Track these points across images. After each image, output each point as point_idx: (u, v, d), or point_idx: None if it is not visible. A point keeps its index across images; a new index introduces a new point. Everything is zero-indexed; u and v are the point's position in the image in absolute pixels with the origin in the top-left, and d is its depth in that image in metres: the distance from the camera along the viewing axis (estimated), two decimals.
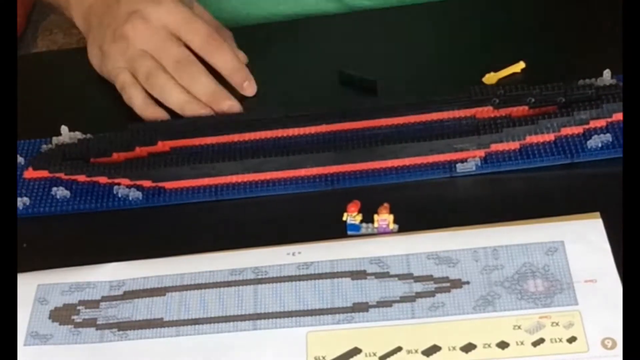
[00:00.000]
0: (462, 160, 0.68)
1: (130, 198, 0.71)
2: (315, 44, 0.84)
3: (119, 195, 0.71)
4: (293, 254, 0.64)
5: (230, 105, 0.76)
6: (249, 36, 0.84)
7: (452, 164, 0.69)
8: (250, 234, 0.67)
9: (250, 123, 0.74)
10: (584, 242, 0.62)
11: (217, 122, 0.74)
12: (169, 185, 0.71)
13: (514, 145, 0.68)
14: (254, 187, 0.70)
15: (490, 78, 0.75)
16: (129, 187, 0.71)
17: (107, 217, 0.71)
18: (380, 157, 0.69)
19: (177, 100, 0.76)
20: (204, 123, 0.74)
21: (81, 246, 0.70)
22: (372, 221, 0.65)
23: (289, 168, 0.70)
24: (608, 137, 0.67)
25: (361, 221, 0.65)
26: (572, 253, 0.61)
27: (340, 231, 0.65)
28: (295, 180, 0.70)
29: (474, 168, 0.68)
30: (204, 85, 0.76)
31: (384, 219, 0.64)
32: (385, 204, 0.65)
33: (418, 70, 0.79)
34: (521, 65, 0.75)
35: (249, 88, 0.78)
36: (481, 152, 0.69)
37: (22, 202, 0.71)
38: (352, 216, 0.65)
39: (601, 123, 0.69)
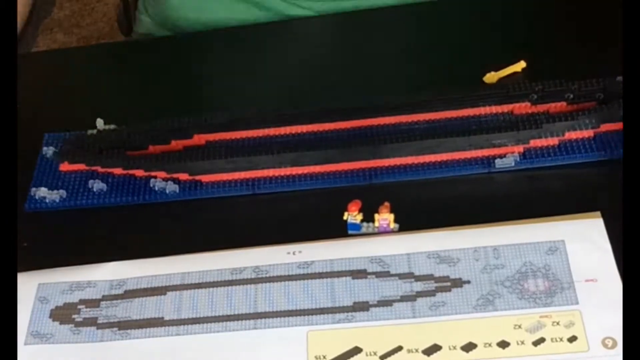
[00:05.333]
0: (501, 156, 0.68)
1: (167, 191, 0.70)
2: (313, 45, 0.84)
3: (156, 189, 0.71)
4: (293, 253, 0.64)
5: None
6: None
7: (490, 160, 0.68)
8: (250, 233, 0.67)
9: (286, 117, 0.73)
10: (584, 242, 0.62)
11: (253, 116, 0.74)
12: (205, 178, 0.71)
13: (553, 141, 0.68)
14: (290, 181, 0.70)
15: (491, 77, 0.75)
16: (165, 180, 0.71)
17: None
18: (418, 152, 0.69)
19: None
20: (239, 117, 0.74)
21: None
22: (373, 220, 0.65)
23: (325, 162, 0.70)
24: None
25: (362, 220, 0.65)
26: (573, 252, 0.61)
27: (340, 230, 0.65)
28: (333, 174, 0.70)
29: (512, 164, 0.68)
30: None
31: (385, 218, 0.64)
32: (386, 203, 0.65)
33: (418, 71, 0.79)
34: (522, 64, 0.75)
35: None
36: (520, 148, 0.68)
37: (58, 194, 0.72)
38: (352, 215, 0.65)
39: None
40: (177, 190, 0.70)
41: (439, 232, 0.64)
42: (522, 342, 0.58)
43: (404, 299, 0.61)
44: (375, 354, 0.59)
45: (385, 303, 0.61)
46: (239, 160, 0.70)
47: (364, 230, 0.65)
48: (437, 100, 0.72)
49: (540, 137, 0.68)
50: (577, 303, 0.59)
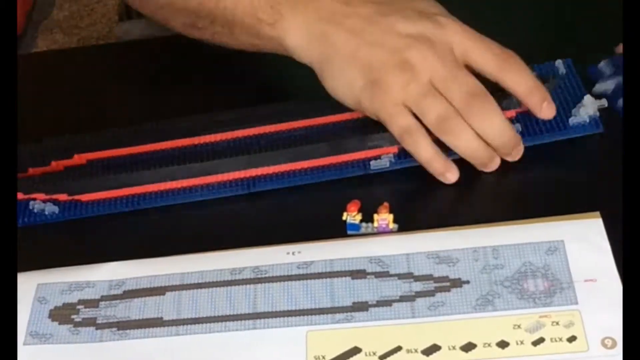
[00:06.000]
0: (376, 158, 0.69)
1: (47, 212, 0.70)
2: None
3: (35, 211, 0.70)
4: (293, 254, 0.64)
5: (518, 151, 0.67)
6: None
7: (365, 162, 0.69)
8: (250, 234, 0.67)
9: (167, 131, 0.74)
10: (584, 242, 0.62)
11: (133, 132, 0.74)
12: (85, 197, 0.70)
13: None
14: (170, 195, 0.70)
15: None
16: (44, 201, 0.71)
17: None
18: (295, 159, 0.70)
19: (467, 144, 0.66)
20: (119, 133, 0.74)
21: None
22: (372, 220, 0.65)
23: (204, 174, 0.70)
24: (517, 127, 0.68)
25: (361, 220, 0.65)
26: (572, 252, 0.61)
27: (340, 230, 0.65)
28: (212, 186, 0.70)
29: (387, 164, 0.68)
30: (499, 126, 0.66)
31: (384, 218, 0.64)
32: (385, 203, 0.65)
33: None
34: None
35: (549, 109, 0.67)
36: (394, 149, 0.69)
37: None
38: (351, 215, 0.65)
39: (511, 114, 0.69)
40: (57, 211, 0.70)
41: (438, 232, 0.64)
42: (522, 342, 0.58)
43: (403, 299, 0.61)
44: (374, 354, 0.59)
45: (384, 303, 0.61)
46: (118, 177, 0.71)
47: (363, 230, 0.65)
48: (311, 107, 0.73)
49: None
50: (576, 303, 0.59)
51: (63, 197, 0.71)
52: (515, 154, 0.67)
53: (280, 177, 0.70)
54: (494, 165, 0.67)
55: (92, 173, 0.71)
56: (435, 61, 0.66)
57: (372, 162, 0.69)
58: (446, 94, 0.65)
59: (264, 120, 0.73)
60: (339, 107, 0.71)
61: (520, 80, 0.67)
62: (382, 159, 0.69)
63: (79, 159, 0.73)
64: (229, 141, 0.73)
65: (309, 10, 0.69)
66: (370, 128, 0.70)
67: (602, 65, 0.72)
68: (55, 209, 0.70)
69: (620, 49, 0.73)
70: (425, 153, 0.66)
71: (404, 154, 0.68)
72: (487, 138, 0.66)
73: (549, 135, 0.68)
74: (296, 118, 0.73)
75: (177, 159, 0.72)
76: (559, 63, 0.72)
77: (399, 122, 0.66)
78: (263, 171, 0.70)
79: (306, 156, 0.70)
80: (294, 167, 0.70)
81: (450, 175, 0.67)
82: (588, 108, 0.68)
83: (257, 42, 0.72)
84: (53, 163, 0.73)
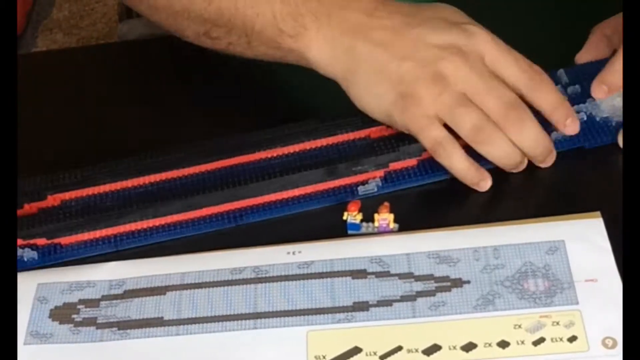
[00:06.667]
0: (363, 182, 0.68)
1: (25, 259, 0.67)
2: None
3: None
4: (293, 253, 0.64)
5: (552, 157, 0.67)
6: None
7: (353, 187, 0.68)
8: (250, 234, 0.67)
9: (141, 167, 0.72)
10: (584, 242, 0.62)
11: (108, 169, 0.72)
12: (64, 240, 0.68)
13: (412, 162, 0.68)
14: (155, 232, 0.68)
15: None
16: (22, 247, 0.68)
17: None
18: (281, 188, 0.68)
19: (503, 153, 0.65)
20: (93, 171, 0.72)
21: None
22: (373, 220, 0.65)
23: (189, 209, 0.68)
24: None
25: (361, 220, 0.65)
26: (573, 252, 0.61)
27: (340, 230, 0.65)
28: (198, 220, 0.68)
29: (375, 189, 0.68)
30: (536, 136, 0.65)
31: (384, 218, 0.64)
32: (386, 203, 0.65)
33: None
34: None
35: (572, 125, 0.67)
36: (380, 172, 0.68)
37: None
38: (352, 215, 0.65)
39: None
40: (36, 257, 0.68)
41: (438, 232, 0.64)
42: (522, 342, 0.58)
43: (403, 298, 0.61)
44: (375, 354, 0.59)
45: (385, 303, 0.61)
46: (98, 218, 0.68)
47: (363, 230, 0.65)
48: (292, 133, 0.72)
49: (398, 160, 0.68)
50: (577, 303, 0.59)
51: (41, 241, 0.68)
52: (549, 161, 0.67)
53: (267, 207, 0.68)
54: (523, 166, 0.67)
55: (68, 214, 0.69)
56: (468, 72, 0.65)
57: (359, 187, 0.68)
58: (482, 105, 0.65)
59: (245, 148, 0.71)
60: (320, 130, 0.71)
61: (546, 96, 0.66)
62: (370, 183, 0.68)
63: (53, 200, 0.71)
64: (212, 172, 0.71)
65: (332, 23, 0.68)
66: (356, 152, 0.70)
67: (561, 72, 0.72)
68: (34, 254, 0.68)
69: (579, 58, 0.73)
70: (460, 164, 0.66)
71: (390, 177, 0.68)
72: (524, 148, 0.65)
73: None
74: (282, 144, 0.71)
75: (158, 194, 0.70)
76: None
77: (431, 134, 0.65)
78: (248, 203, 0.68)
79: (293, 185, 0.68)
80: (281, 197, 0.68)
81: (484, 183, 0.66)
82: None
83: (276, 54, 0.71)
84: (26, 206, 0.71)
